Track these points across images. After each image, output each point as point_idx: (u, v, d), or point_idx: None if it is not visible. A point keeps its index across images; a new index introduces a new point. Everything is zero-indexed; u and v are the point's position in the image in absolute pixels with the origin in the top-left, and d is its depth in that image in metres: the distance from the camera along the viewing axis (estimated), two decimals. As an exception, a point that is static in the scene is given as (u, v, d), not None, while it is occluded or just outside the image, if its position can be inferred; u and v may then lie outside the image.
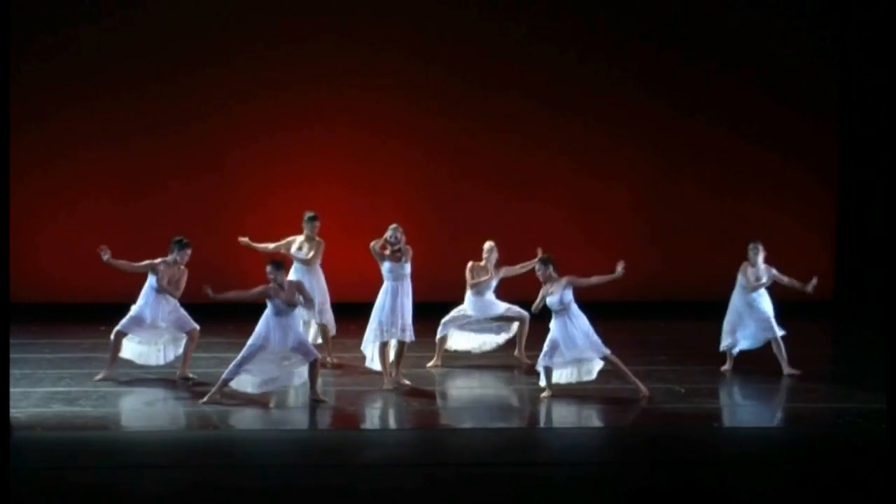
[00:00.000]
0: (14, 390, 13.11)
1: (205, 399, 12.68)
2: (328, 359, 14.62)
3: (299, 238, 14.75)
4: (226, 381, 12.68)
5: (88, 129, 18.10)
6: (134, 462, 10.95)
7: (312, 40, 18.26)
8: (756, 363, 14.48)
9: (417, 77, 18.39)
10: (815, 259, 18.05)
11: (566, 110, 18.59)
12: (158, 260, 13.79)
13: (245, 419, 12.52)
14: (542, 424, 12.73)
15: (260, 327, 12.72)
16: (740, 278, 14.29)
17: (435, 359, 14.72)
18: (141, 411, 12.71)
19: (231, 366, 12.67)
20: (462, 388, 14.00)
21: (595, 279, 13.15)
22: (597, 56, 18.59)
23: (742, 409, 13.30)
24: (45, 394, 13.14)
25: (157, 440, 11.77)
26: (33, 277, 17.74)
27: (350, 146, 18.38)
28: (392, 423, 12.68)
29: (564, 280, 13.06)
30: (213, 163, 18.23)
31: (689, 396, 13.30)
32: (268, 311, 12.73)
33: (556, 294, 13.02)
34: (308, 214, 14.75)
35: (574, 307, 13.05)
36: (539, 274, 13.22)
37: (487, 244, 14.84)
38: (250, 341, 12.68)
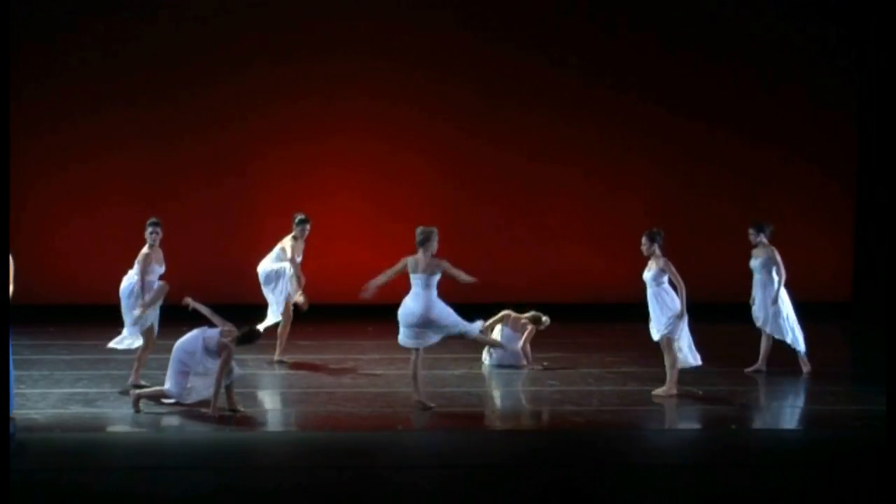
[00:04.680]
0: (32, 391, 13.25)
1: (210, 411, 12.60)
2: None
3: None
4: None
5: (110, 133, 18.28)
6: (152, 464, 10.96)
7: (331, 50, 18.40)
8: (774, 364, 14.51)
9: (434, 87, 18.55)
10: (835, 261, 18.04)
11: (580, 118, 18.73)
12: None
13: (258, 421, 12.57)
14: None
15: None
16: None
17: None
18: (158, 413, 12.62)
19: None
20: (479, 390, 14.02)
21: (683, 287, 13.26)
22: (612, 64, 18.69)
23: (760, 412, 13.30)
24: (63, 395, 13.18)
25: (173, 442, 11.80)
26: (52, 279, 17.84)
27: (367, 155, 18.54)
28: (406, 426, 12.57)
29: (665, 261, 13.20)
30: (232, 170, 18.39)
31: (706, 399, 13.35)
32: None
33: (652, 272, 13.20)
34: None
35: (666, 300, 13.20)
36: (644, 247, 13.29)
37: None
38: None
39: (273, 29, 18.39)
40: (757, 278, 14.44)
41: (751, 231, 14.48)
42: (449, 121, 18.56)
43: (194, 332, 12.63)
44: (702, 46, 18.70)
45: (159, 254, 13.54)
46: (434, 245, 12.61)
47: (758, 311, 14.45)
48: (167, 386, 12.56)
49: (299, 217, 15.09)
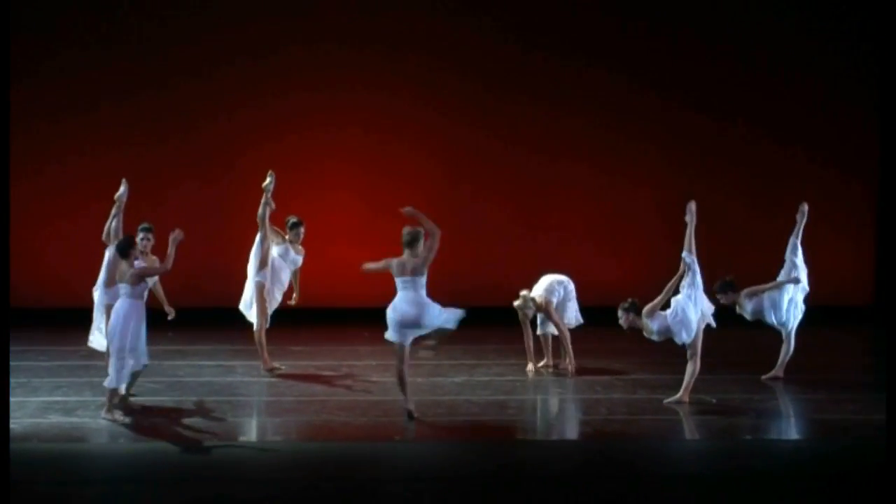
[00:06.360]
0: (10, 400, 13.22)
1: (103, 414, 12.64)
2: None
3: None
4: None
5: (92, 131, 18.38)
6: (135, 476, 10.95)
7: (323, 42, 18.51)
8: (792, 371, 14.52)
9: (431, 79, 18.61)
10: (855, 265, 18.02)
11: (588, 112, 18.78)
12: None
13: (248, 431, 12.64)
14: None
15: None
16: None
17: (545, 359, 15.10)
18: (141, 423, 12.63)
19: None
20: (480, 398, 13.93)
21: (664, 292, 13.23)
22: (624, 58, 18.75)
23: (776, 422, 13.28)
24: (41, 403, 13.15)
25: (158, 453, 11.73)
26: (30, 281, 17.83)
27: (363, 149, 18.62)
28: (403, 436, 12.51)
29: (644, 314, 13.18)
30: (221, 167, 18.45)
31: (720, 407, 13.35)
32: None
33: (653, 330, 13.17)
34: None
35: (671, 320, 13.15)
36: (622, 321, 13.29)
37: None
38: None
39: (261, 19, 18.45)
40: (766, 315, 14.44)
41: (722, 297, 14.30)
42: (450, 114, 18.63)
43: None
44: (719, 41, 18.79)
45: (152, 261, 13.51)
46: (420, 246, 12.54)
47: (781, 318, 14.44)
48: (106, 382, 12.58)
49: (292, 220, 15.06)
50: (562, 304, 14.96)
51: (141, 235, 13.47)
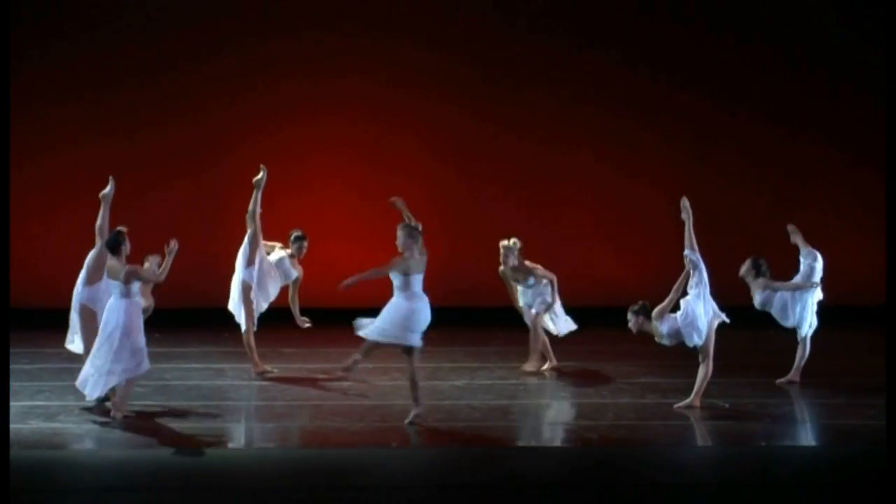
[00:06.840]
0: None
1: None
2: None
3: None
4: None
5: (77, 126, 18.39)
6: (120, 484, 10.89)
7: (317, 30, 18.46)
8: (807, 375, 14.46)
9: (432, 67, 18.57)
10: (868, 261, 17.96)
11: (596, 103, 18.78)
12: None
13: (238, 437, 12.66)
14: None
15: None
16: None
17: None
18: (126, 429, 12.55)
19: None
20: (480, 402, 13.83)
21: (672, 293, 13.15)
22: (630, 47, 18.75)
23: (792, 428, 13.22)
24: (21, 408, 13.01)
25: (144, 460, 11.67)
26: (11, 280, 17.67)
27: (360, 143, 18.62)
28: (401, 442, 12.45)
29: (654, 317, 13.14)
30: (210, 162, 18.40)
31: (733, 412, 13.27)
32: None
33: (663, 334, 13.13)
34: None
35: (681, 322, 13.10)
36: (631, 325, 13.24)
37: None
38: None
39: (250, 8, 18.54)
40: (773, 310, 14.40)
41: (743, 271, 14.39)
42: (451, 105, 18.59)
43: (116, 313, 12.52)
44: (727, 27, 18.80)
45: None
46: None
47: (787, 319, 14.37)
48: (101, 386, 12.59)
49: (295, 234, 14.94)
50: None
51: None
